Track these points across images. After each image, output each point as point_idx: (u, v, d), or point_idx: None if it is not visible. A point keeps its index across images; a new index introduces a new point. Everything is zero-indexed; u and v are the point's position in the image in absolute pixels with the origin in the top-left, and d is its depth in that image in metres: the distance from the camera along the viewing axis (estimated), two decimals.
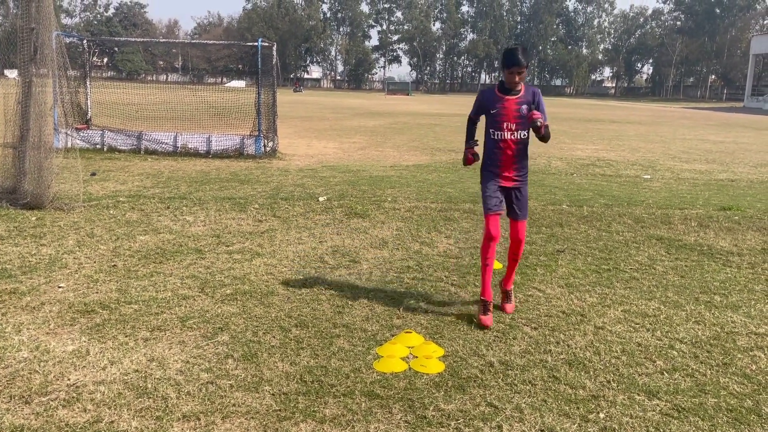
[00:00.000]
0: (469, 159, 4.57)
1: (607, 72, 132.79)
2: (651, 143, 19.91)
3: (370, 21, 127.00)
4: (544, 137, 4.37)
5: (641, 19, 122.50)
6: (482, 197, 4.53)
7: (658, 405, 3.38)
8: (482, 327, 4.31)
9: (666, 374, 3.75)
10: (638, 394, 3.49)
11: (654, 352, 4.05)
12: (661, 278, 5.63)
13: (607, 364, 3.85)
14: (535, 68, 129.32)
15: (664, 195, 10.07)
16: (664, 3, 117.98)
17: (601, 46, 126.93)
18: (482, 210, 4.55)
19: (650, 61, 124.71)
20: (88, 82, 14.18)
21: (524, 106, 4.36)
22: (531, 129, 4.35)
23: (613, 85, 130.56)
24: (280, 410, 3.21)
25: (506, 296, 4.74)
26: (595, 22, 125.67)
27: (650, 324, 4.53)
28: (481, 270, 4.56)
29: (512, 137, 4.41)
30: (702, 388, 3.59)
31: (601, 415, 3.26)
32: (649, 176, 12.30)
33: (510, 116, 4.38)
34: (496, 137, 4.43)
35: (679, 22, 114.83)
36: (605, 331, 4.38)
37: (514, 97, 4.39)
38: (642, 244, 6.80)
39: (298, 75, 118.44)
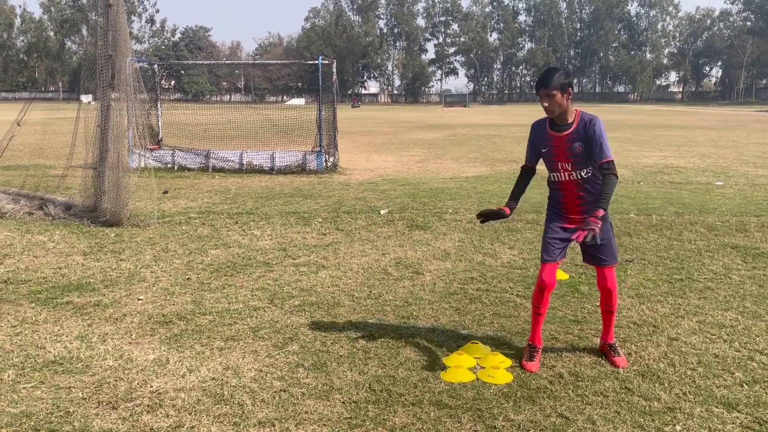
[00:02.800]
0: (489, 212, 3.99)
1: (673, 77, 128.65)
2: (722, 149, 19.14)
3: (427, 34, 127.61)
4: (605, 195, 3.60)
5: (708, 21, 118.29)
6: (542, 240, 3.97)
7: (737, 418, 3.27)
8: (526, 370, 3.83)
9: (746, 386, 3.61)
10: (716, 407, 3.38)
11: (732, 364, 3.90)
12: (737, 288, 5.41)
13: (683, 376, 3.74)
14: (596, 75, 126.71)
15: (738, 202, 9.67)
16: (732, 3, 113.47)
17: (666, 50, 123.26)
18: (543, 220, 4.17)
19: (719, 63, 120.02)
20: (158, 105, 14.85)
21: (577, 144, 3.68)
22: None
23: (680, 89, 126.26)
24: (350, 418, 3.28)
25: (611, 350, 3.99)
26: (659, 26, 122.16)
27: (727, 335, 4.37)
28: (531, 316, 4.04)
29: (571, 177, 3.77)
30: None
31: (678, 428, 3.17)
32: (721, 183, 11.83)
33: (562, 155, 3.75)
34: (554, 179, 3.87)
35: (749, 23, 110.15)
36: (679, 342, 4.25)
37: (565, 132, 3.71)
38: (716, 253, 6.56)
39: (356, 91, 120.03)
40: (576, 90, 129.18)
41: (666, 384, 3.64)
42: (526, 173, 4.06)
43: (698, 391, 3.55)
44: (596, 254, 3.89)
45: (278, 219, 8.37)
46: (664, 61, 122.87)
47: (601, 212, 3.54)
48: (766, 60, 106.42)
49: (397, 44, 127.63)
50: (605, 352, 4.02)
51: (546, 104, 3.63)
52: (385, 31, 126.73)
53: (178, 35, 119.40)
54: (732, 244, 6.91)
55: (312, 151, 13.73)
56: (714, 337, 4.34)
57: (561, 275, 5.71)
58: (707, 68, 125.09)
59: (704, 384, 3.64)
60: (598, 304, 4.97)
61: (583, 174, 3.74)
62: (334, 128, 13.96)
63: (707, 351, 4.10)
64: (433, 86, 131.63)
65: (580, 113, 3.71)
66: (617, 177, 3.65)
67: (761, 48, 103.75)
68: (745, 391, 3.56)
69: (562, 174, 3.79)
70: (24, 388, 3.59)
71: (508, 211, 3.96)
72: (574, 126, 3.69)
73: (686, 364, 3.91)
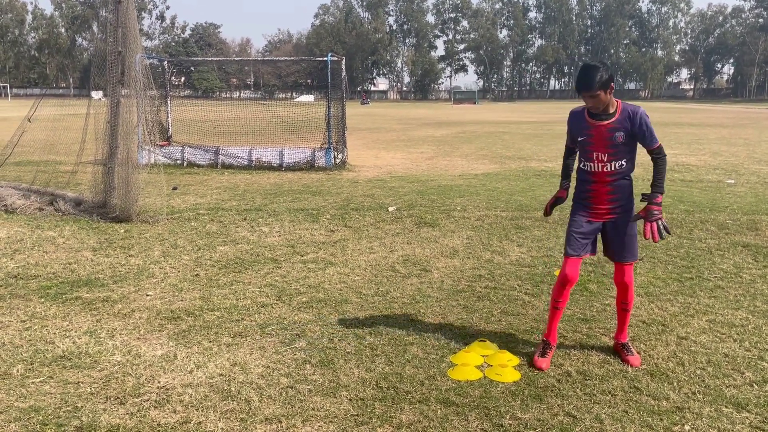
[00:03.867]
0: (549, 204, 4.12)
1: (684, 74, 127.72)
2: (734, 146, 18.98)
3: (436, 31, 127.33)
4: (659, 177, 3.69)
5: (720, 18, 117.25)
6: (566, 233, 3.91)
7: (747, 418, 3.24)
8: (535, 368, 3.80)
9: (756, 386, 3.58)
10: (726, 407, 3.35)
11: (742, 364, 3.87)
12: (748, 287, 5.37)
13: (692, 375, 3.71)
14: None
15: (749, 200, 9.58)
16: (745, 0, 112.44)
17: (678, 47, 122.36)
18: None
19: (731, 61, 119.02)
20: (168, 101, 14.90)
21: (618, 133, 3.61)
22: (628, 168, 3.73)
23: (691, 87, 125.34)
24: (357, 415, 3.28)
25: (624, 349, 3.95)
26: (671, 23, 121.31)
27: (738, 334, 4.33)
28: (549, 310, 4.02)
29: (605, 169, 3.69)
30: None
31: (687, 428, 3.15)
32: (732, 181, 11.73)
33: (600, 145, 3.67)
34: (586, 168, 3.78)
35: (761, 20, 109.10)
36: (689, 341, 4.22)
37: (606, 122, 3.65)
38: (727, 252, 6.50)
39: (365, 87, 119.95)
40: None
41: (675, 383, 3.61)
42: (570, 152, 4.08)
43: (707, 391, 3.52)
44: (618, 249, 3.85)
45: (286, 216, 8.38)
46: (676, 58, 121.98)
47: (660, 198, 3.60)
48: None
49: (407, 41, 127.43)
50: (618, 351, 3.98)
51: (590, 104, 3.64)
52: (394, 27, 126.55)
53: (188, 32, 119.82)
54: (743, 243, 6.85)
55: (321, 147, 13.73)
56: (724, 336, 4.30)
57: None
58: (719, 65, 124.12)
59: (714, 384, 3.61)
60: (607, 303, 4.95)
61: (617, 166, 3.70)
62: (343, 125, 13.95)
63: (717, 350, 4.07)
64: (443, 83, 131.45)
65: (621, 104, 3.68)
66: (666, 157, 3.73)
67: None
68: (755, 390, 3.53)
69: (596, 165, 3.73)
70: (33, 382, 3.61)
71: (564, 194, 4.06)
72: (617, 116, 3.65)
73: (696, 363, 3.88)
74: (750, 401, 3.40)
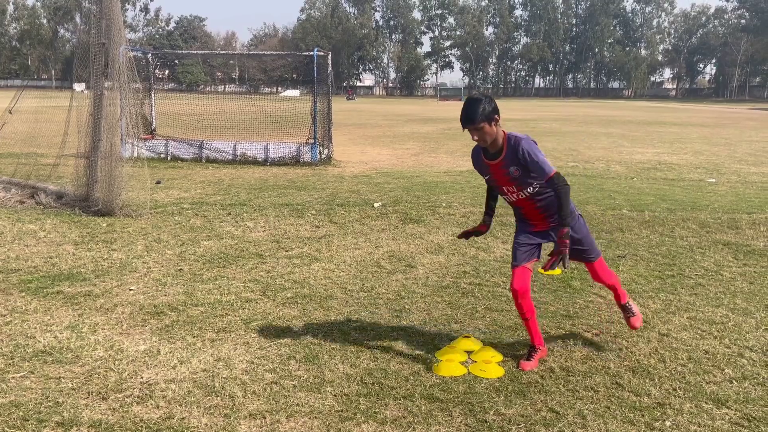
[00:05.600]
0: (467, 231, 4.04)
1: (667, 73, 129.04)
2: (715, 146, 19.21)
3: (422, 28, 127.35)
4: (562, 210, 3.54)
5: (703, 18, 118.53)
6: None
7: (727, 414, 3.28)
8: (521, 370, 3.75)
9: (735, 383, 3.63)
10: (706, 403, 3.39)
11: (722, 360, 3.92)
12: (728, 285, 5.44)
13: (673, 372, 3.76)
14: (591, 71, 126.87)
15: (730, 199, 9.71)
16: (728, 1, 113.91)
17: (661, 47, 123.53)
18: None
19: (713, 61, 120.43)
20: (152, 94, 14.76)
21: (512, 168, 3.57)
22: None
23: (674, 86, 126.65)
24: (342, 411, 3.28)
25: (625, 310, 4.13)
26: (654, 22, 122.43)
27: (718, 331, 4.39)
28: (522, 323, 4.02)
29: (521, 196, 3.68)
30: None
31: (668, 423, 3.19)
32: (714, 180, 11.88)
33: (503, 181, 3.66)
34: (507, 199, 3.79)
35: (743, 20, 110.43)
36: (670, 338, 4.27)
37: (497, 160, 3.61)
38: (708, 250, 6.59)
39: (351, 83, 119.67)
40: (571, 86, 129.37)
41: (656, 380, 3.65)
42: (491, 189, 3.98)
43: (688, 387, 3.57)
44: (577, 253, 3.85)
45: (271, 211, 8.35)
46: (659, 58, 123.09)
47: (565, 230, 3.49)
48: (760, 58, 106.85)
49: (393, 37, 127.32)
50: (623, 314, 4.20)
51: (476, 138, 3.53)
52: (380, 23, 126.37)
53: (172, 24, 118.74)
54: (723, 241, 6.94)
55: (306, 142, 13.68)
56: (704, 333, 4.36)
57: (553, 270, 5.72)
58: (701, 65, 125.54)
59: (694, 380, 3.66)
60: (590, 299, 5.00)
61: (530, 191, 3.66)
62: (328, 120, 13.92)
63: (698, 347, 4.12)
64: (429, 80, 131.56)
65: (506, 137, 3.58)
66: (567, 185, 3.55)
67: (755, 46, 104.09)
68: (735, 387, 3.58)
69: (511, 195, 3.72)
70: (13, 377, 3.57)
71: (485, 228, 3.99)
72: (504, 152, 3.57)
73: (676, 360, 3.93)
74: (730, 397, 3.45)
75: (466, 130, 3.53)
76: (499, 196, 3.94)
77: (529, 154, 3.50)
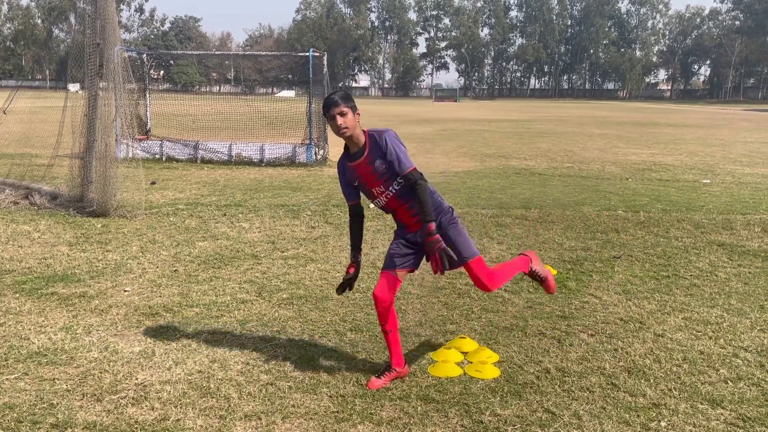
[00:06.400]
0: (340, 285, 3.67)
1: (662, 75, 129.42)
2: (710, 147, 19.28)
3: (418, 28, 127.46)
4: (423, 206, 3.39)
5: (698, 20, 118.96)
6: None
7: (722, 414, 3.29)
8: (368, 388, 3.54)
9: (730, 383, 3.64)
10: (701, 403, 3.40)
11: (717, 361, 3.93)
12: (723, 285, 5.46)
13: (668, 372, 3.76)
14: (586, 72, 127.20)
15: (725, 200, 9.75)
16: (722, 2, 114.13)
17: (656, 48, 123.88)
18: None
19: (708, 62, 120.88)
20: (147, 95, 14.72)
21: (377, 162, 3.48)
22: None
23: (669, 87, 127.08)
24: (337, 412, 3.27)
25: (533, 277, 3.97)
26: (649, 24, 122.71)
27: (713, 332, 4.40)
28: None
29: (390, 196, 3.55)
30: None
31: (663, 424, 3.20)
32: (708, 181, 11.92)
33: (371, 180, 3.53)
34: (378, 205, 3.63)
35: (738, 22, 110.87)
36: (665, 338, 4.28)
37: (362, 158, 3.51)
38: (702, 250, 6.61)
39: (346, 84, 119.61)
40: (566, 86, 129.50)
41: (651, 380, 3.66)
42: (355, 215, 3.76)
43: (683, 388, 3.57)
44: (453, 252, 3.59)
45: (267, 211, 8.33)
46: (654, 59, 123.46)
47: (432, 226, 3.35)
48: (755, 59, 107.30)
49: (389, 38, 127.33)
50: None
51: (341, 122, 3.40)
52: (376, 24, 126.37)
53: (167, 25, 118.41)
54: (718, 242, 6.96)
55: (302, 143, 13.67)
56: (699, 333, 4.37)
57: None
58: (696, 66, 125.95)
59: (689, 380, 3.66)
60: (586, 300, 5.01)
61: (396, 186, 3.51)
62: (324, 121, 13.89)
63: (693, 348, 4.13)
64: (424, 80, 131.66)
65: (368, 132, 3.53)
66: (425, 181, 3.45)
67: (750, 47, 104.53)
68: (730, 387, 3.59)
69: (381, 198, 3.57)
70: (7, 379, 3.55)
71: (353, 269, 3.68)
72: (367, 147, 3.50)
73: (672, 360, 3.93)
74: (725, 398, 3.46)
75: (330, 116, 3.42)
76: (363, 226, 3.81)
77: (392, 143, 3.45)
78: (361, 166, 3.53)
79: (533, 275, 3.96)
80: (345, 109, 3.41)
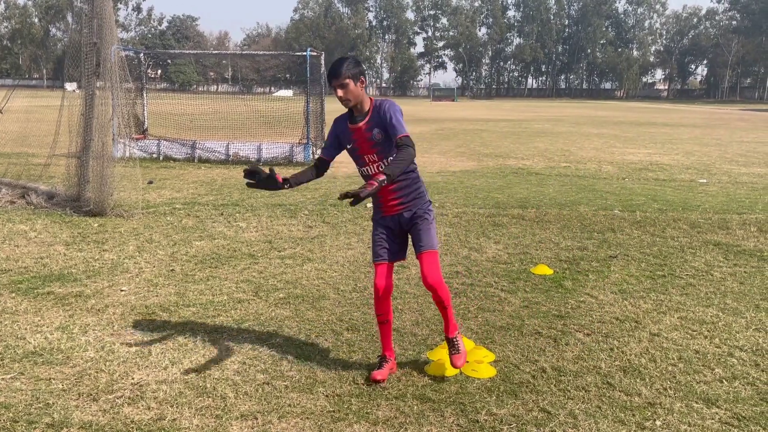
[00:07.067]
0: (256, 171, 3.41)
1: (659, 74, 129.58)
2: (706, 146, 19.32)
3: (416, 28, 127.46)
4: (395, 162, 3.25)
5: (695, 20, 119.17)
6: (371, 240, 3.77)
7: (717, 413, 3.30)
8: (372, 381, 3.59)
9: (725, 382, 3.65)
10: (696, 402, 3.41)
11: (712, 360, 3.95)
12: (719, 285, 5.47)
13: (664, 372, 3.78)
14: (583, 71, 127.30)
15: (721, 199, 9.77)
16: (719, 2, 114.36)
17: (653, 48, 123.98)
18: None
19: (704, 62, 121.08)
20: (144, 94, 14.70)
21: (375, 130, 3.48)
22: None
23: (666, 87, 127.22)
24: (334, 411, 3.28)
25: (451, 345, 3.74)
26: (646, 24, 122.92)
27: (708, 331, 4.42)
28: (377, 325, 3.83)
29: (380, 168, 3.53)
30: (763, 396, 3.49)
31: (658, 423, 3.21)
32: (704, 180, 11.95)
33: (366, 146, 3.54)
34: (365, 173, 3.60)
35: (734, 22, 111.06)
36: (661, 338, 4.29)
37: (362, 122, 3.51)
38: (698, 250, 6.62)
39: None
40: (563, 86, 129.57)
41: (647, 379, 3.67)
42: (318, 167, 3.69)
43: (678, 387, 3.59)
44: (415, 240, 3.64)
45: (264, 211, 8.33)
46: (651, 59, 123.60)
47: (381, 176, 3.13)
48: (751, 59, 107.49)
49: (386, 37, 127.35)
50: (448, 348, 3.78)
51: (340, 94, 3.44)
52: (374, 23, 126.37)
53: (165, 24, 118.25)
54: (714, 242, 6.98)
55: (299, 143, 13.67)
56: (695, 333, 4.39)
57: (545, 270, 5.74)
58: (693, 66, 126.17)
59: (684, 380, 3.68)
60: (582, 299, 5.02)
61: (388, 162, 3.46)
62: (321, 120, 13.90)
63: (688, 347, 4.14)
64: (422, 80, 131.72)
65: (374, 100, 3.54)
66: (414, 150, 3.34)
67: (746, 47, 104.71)
68: (725, 387, 3.60)
69: (371, 167, 3.57)
70: (3, 379, 3.55)
71: (280, 179, 3.46)
72: (369, 113, 3.50)
73: (667, 359, 3.95)
74: (720, 397, 3.47)
75: (331, 86, 3.43)
76: (314, 176, 3.69)
77: (392, 110, 3.43)
78: (359, 131, 3.53)
79: (452, 342, 3.74)
80: (346, 81, 3.40)
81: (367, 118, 3.51)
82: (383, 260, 3.65)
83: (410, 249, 3.73)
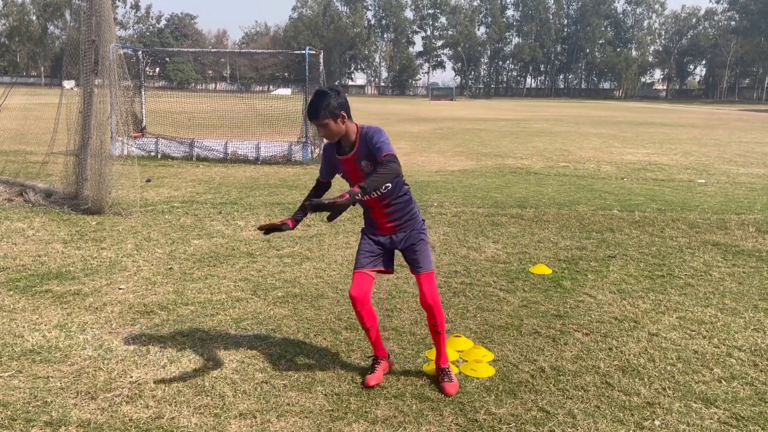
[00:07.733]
0: (272, 223, 3.46)
1: (658, 74, 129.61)
2: (705, 147, 19.34)
3: (414, 27, 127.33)
4: (374, 176, 3.17)
5: (693, 20, 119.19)
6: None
7: (716, 413, 3.31)
8: (366, 387, 3.55)
9: (724, 382, 3.65)
10: (695, 402, 3.42)
11: (711, 360, 3.95)
12: (717, 285, 5.48)
13: (662, 372, 3.78)
14: (582, 71, 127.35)
15: (719, 200, 9.78)
16: (718, 3, 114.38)
17: (652, 48, 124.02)
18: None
19: (703, 62, 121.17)
20: (142, 92, 14.68)
21: (364, 163, 3.39)
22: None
23: (664, 87, 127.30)
24: (332, 410, 3.27)
25: (441, 374, 3.63)
26: (645, 24, 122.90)
27: (707, 331, 4.42)
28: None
29: (372, 195, 3.42)
30: (762, 396, 3.49)
31: (657, 423, 3.21)
32: (703, 180, 11.96)
33: (357, 177, 3.44)
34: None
35: (733, 22, 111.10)
36: (660, 338, 4.29)
37: (350, 154, 3.43)
38: (697, 250, 6.63)
39: (343, 82, 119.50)
40: (562, 86, 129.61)
41: (646, 379, 3.67)
42: (318, 188, 3.74)
43: (677, 387, 3.59)
44: (411, 261, 3.64)
45: (262, 210, 8.32)
46: (650, 59, 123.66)
47: (356, 189, 3.07)
48: (750, 59, 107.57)
49: (385, 36, 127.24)
50: (437, 376, 3.66)
51: (322, 134, 3.39)
52: (372, 22, 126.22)
53: (163, 22, 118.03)
54: (713, 242, 6.99)
55: (297, 141, 13.66)
56: (694, 333, 4.39)
57: (544, 270, 5.74)
58: (691, 66, 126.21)
59: (683, 379, 3.68)
60: (581, 299, 5.02)
61: (382, 190, 3.44)
62: None
63: (687, 347, 4.14)
64: (420, 79, 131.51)
65: (359, 129, 3.42)
66: (398, 166, 3.25)
67: (745, 47, 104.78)
68: (724, 387, 3.60)
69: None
70: (1, 377, 3.54)
71: (291, 224, 3.50)
72: (357, 145, 3.40)
73: (666, 359, 3.95)
74: (718, 397, 3.47)
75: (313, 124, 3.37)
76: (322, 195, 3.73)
77: (378, 139, 3.33)
78: (348, 162, 3.47)
79: (445, 371, 3.64)
80: (324, 122, 3.30)
81: (355, 149, 3.42)
82: (362, 269, 3.58)
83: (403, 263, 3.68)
